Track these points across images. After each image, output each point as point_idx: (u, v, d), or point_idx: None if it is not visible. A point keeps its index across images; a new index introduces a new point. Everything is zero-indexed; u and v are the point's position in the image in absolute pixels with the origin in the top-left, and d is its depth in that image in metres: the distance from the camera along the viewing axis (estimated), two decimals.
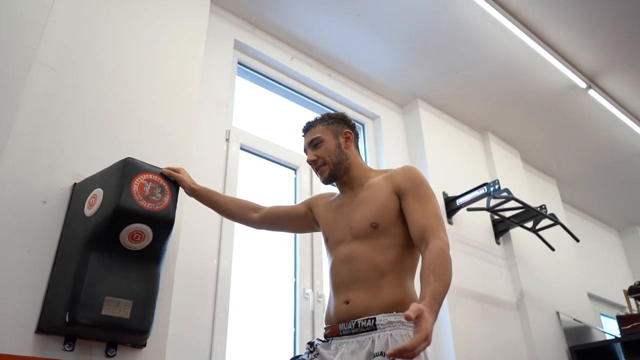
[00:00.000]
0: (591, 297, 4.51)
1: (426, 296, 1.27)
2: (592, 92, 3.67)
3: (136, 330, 1.60)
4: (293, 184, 3.04)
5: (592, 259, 5.01)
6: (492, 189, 3.25)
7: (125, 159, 1.68)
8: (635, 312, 4.00)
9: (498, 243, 3.68)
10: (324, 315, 1.62)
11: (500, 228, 3.69)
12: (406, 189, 1.57)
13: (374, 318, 1.44)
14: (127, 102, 2.08)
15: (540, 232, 3.70)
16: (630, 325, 3.57)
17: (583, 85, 3.60)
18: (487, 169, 4.00)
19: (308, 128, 1.79)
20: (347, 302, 1.50)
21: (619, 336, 3.63)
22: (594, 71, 3.55)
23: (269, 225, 1.90)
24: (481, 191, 3.31)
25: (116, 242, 1.58)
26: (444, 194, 3.46)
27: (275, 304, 2.65)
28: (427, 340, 1.15)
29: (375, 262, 1.51)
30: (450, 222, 3.36)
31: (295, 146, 3.09)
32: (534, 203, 3.66)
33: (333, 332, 1.52)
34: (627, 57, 3.45)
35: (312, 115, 3.29)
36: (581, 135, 4.25)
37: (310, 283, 2.71)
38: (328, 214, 1.72)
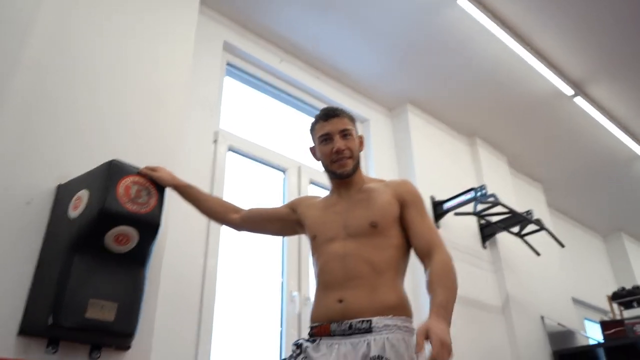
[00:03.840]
0: (575, 301, 4.56)
1: (434, 306, 1.32)
2: (578, 100, 3.72)
3: (120, 333, 1.60)
4: (281, 186, 3.04)
5: (576, 264, 5.07)
6: (479, 193, 3.28)
7: (111, 161, 1.67)
8: (618, 317, 4.05)
9: (484, 247, 3.71)
10: (311, 312, 1.57)
11: (487, 232, 3.72)
12: (409, 201, 1.61)
13: (370, 320, 1.41)
14: (114, 104, 2.07)
15: (526, 237, 3.73)
16: (613, 330, 3.61)
17: (570, 92, 3.64)
18: (474, 173, 4.03)
19: (338, 115, 1.68)
20: (341, 301, 1.46)
21: (602, 341, 3.67)
22: (580, 79, 3.60)
23: (250, 226, 1.86)
24: (468, 196, 3.34)
25: (101, 244, 1.57)
26: (432, 198, 3.48)
27: (262, 305, 2.65)
28: (444, 347, 1.17)
29: (373, 260, 1.50)
30: (437, 226, 3.38)
31: (283, 148, 3.09)
32: (520, 208, 3.70)
33: (323, 331, 1.47)
34: (613, 66, 3.50)
35: (301, 117, 3.36)
36: (567, 141, 4.30)
37: (297, 285, 2.71)
38: (316, 212, 1.70)
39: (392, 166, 3.61)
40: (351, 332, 1.42)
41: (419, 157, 3.59)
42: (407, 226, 1.58)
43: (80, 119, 1.94)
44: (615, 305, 4.15)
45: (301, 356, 1.47)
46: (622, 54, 3.39)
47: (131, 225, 1.59)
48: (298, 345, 1.51)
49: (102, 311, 1.54)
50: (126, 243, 1.60)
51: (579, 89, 3.67)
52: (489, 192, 3.35)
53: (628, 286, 4.34)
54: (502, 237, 3.78)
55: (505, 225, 3.62)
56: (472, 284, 3.39)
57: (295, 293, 2.67)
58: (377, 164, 3.47)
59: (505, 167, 4.40)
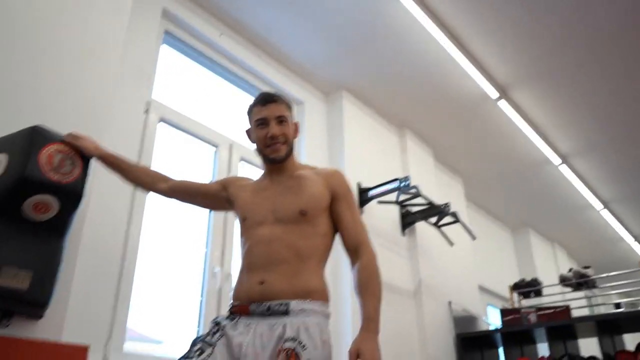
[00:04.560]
0: (482, 289, 4.91)
1: (364, 320, 1.47)
2: (502, 103, 3.95)
3: (34, 302, 1.58)
4: (212, 162, 3.04)
5: (486, 254, 5.43)
6: (402, 184, 3.44)
7: (34, 126, 1.61)
8: (517, 305, 4.41)
9: (403, 235, 3.90)
10: (233, 291, 1.62)
11: (407, 221, 3.91)
12: (340, 194, 1.68)
13: (288, 303, 1.47)
14: (39, 62, 1.97)
15: (442, 228, 3.97)
16: (510, 317, 3.94)
17: (495, 95, 3.86)
18: (401, 164, 4.20)
19: (275, 100, 1.71)
20: (262, 283, 1.51)
21: (500, 327, 4.00)
22: (506, 83, 3.83)
23: (179, 197, 1.87)
24: (392, 185, 3.49)
25: (18, 211, 1.53)
26: (358, 184, 3.60)
27: (183, 278, 2.67)
28: None
29: (298, 247, 1.55)
30: (361, 212, 3.52)
31: (217, 124, 3.08)
32: (441, 199, 3.91)
33: (242, 310, 1.52)
34: (536, 74, 3.75)
35: (238, 93, 3.36)
36: (489, 140, 4.57)
37: (220, 260, 2.75)
38: (246, 194, 1.73)
39: (322, 150, 3.69)
40: (269, 313, 1.47)
41: (349, 143, 3.69)
42: (336, 219, 1.67)
43: (1, 81, 1.84)
44: (515, 295, 4.50)
45: (219, 333, 1.50)
46: (546, 63, 3.62)
47: (52, 194, 1.56)
48: (217, 323, 1.54)
49: (15, 279, 1.51)
50: (45, 212, 1.57)
51: (504, 93, 3.90)
52: (413, 183, 3.52)
53: (529, 278, 4.71)
54: (421, 226, 3.99)
55: (424, 215, 3.82)
56: (388, 269, 3.56)
57: (218, 268, 2.71)
58: (308, 146, 3.54)
59: (430, 159, 4.61)
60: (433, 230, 4.01)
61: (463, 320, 4.17)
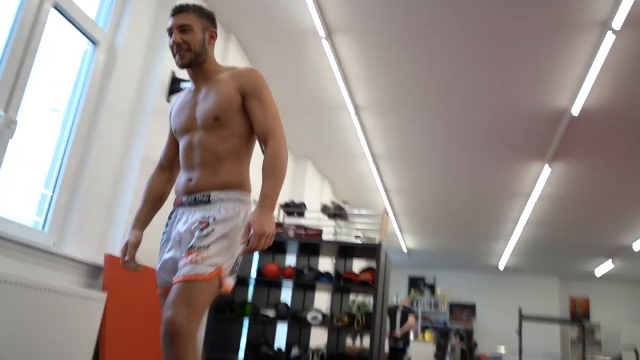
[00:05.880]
0: (255, 203, 5.38)
1: (260, 199, 1.70)
2: (324, 43, 4.27)
3: None
4: (86, 63, 2.74)
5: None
6: None
7: None
8: (281, 221, 5.01)
9: None
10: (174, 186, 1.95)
11: None
12: (250, 91, 1.84)
13: (209, 194, 1.77)
14: None
15: None
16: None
17: (322, 34, 4.14)
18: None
19: (180, 11, 1.85)
20: (190, 180, 1.81)
21: None
22: (334, 26, 4.14)
23: (176, 165, 2.01)
24: None
25: None
26: (173, 72, 3.59)
27: None
28: (261, 237, 1.64)
29: (216, 149, 1.79)
30: (168, 100, 3.54)
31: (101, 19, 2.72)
32: None
33: (178, 203, 1.86)
34: (363, 25, 4.14)
35: None
36: (302, 74, 4.90)
37: (5, 106, 2.53)
38: (175, 108, 1.94)
39: (148, 30, 3.53)
40: (195, 202, 1.79)
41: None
42: (250, 115, 1.84)
43: None
44: (282, 212, 5.10)
45: (168, 227, 1.88)
46: (372, 16, 4.04)
47: None
48: (169, 216, 1.89)
49: None
50: None
51: (329, 34, 4.20)
52: None
53: (297, 201, 5.36)
54: None
55: None
56: None
57: (2, 113, 2.50)
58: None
59: None
60: None
61: None
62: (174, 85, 3.58)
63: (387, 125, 5.88)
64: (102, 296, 2.87)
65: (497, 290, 13.54)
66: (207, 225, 1.70)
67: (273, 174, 1.76)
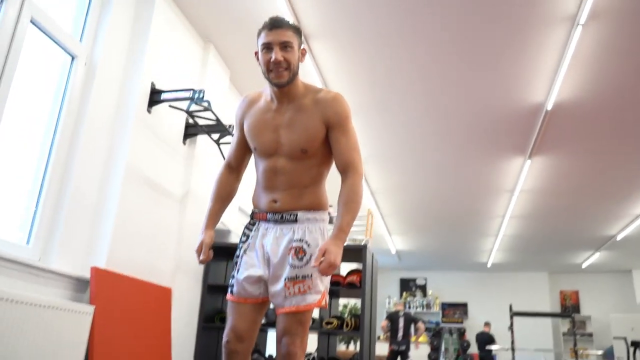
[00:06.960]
0: (240, 210, 5.40)
1: (336, 229, 1.79)
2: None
3: None
4: (65, 76, 2.80)
5: (252, 182, 5.93)
6: (196, 95, 3.58)
7: None
8: None
9: (184, 143, 4.07)
10: (252, 199, 2.02)
11: (191, 132, 4.08)
12: (335, 123, 1.89)
13: (296, 214, 1.88)
14: None
15: (221, 146, 4.25)
16: None
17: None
18: (199, 77, 4.30)
19: (282, 26, 1.82)
20: (275, 202, 1.90)
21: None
22: (311, 31, 4.20)
23: (245, 164, 2.14)
24: (186, 95, 3.60)
25: None
26: (152, 84, 3.60)
27: None
28: (331, 267, 1.71)
29: (301, 178, 1.89)
30: (149, 111, 3.56)
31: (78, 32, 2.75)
32: (228, 121, 4.16)
33: (261, 217, 1.94)
34: (340, 28, 4.21)
35: None
36: None
37: None
38: (254, 120, 1.95)
39: (126, 41, 3.54)
40: (282, 221, 1.89)
41: (154, 41, 3.62)
42: (331, 144, 1.89)
43: None
44: None
45: (247, 242, 1.96)
46: (352, 19, 4.11)
47: None
48: (246, 235, 1.97)
49: None
50: None
51: (306, 37, 4.27)
52: (207, 98, 3.68)
53: None
54: (203, 139, 4.21)
55: (208, 130, 4.05)
56: (164, 171, 3.73)
57: None
58: (111, 22, 3.35)
59: (226, 81, 4.80)
60: (213, 146, 4.27)
61: (218, 232, 4.59)
62: (154, 96, 3.59)
63: (369, 127, 5.94)
64: (90, 309, 2.87)
65: (488, 288, 13.66)
66: (305, 252, 1.82)
67: (351, 208, 1.83)
